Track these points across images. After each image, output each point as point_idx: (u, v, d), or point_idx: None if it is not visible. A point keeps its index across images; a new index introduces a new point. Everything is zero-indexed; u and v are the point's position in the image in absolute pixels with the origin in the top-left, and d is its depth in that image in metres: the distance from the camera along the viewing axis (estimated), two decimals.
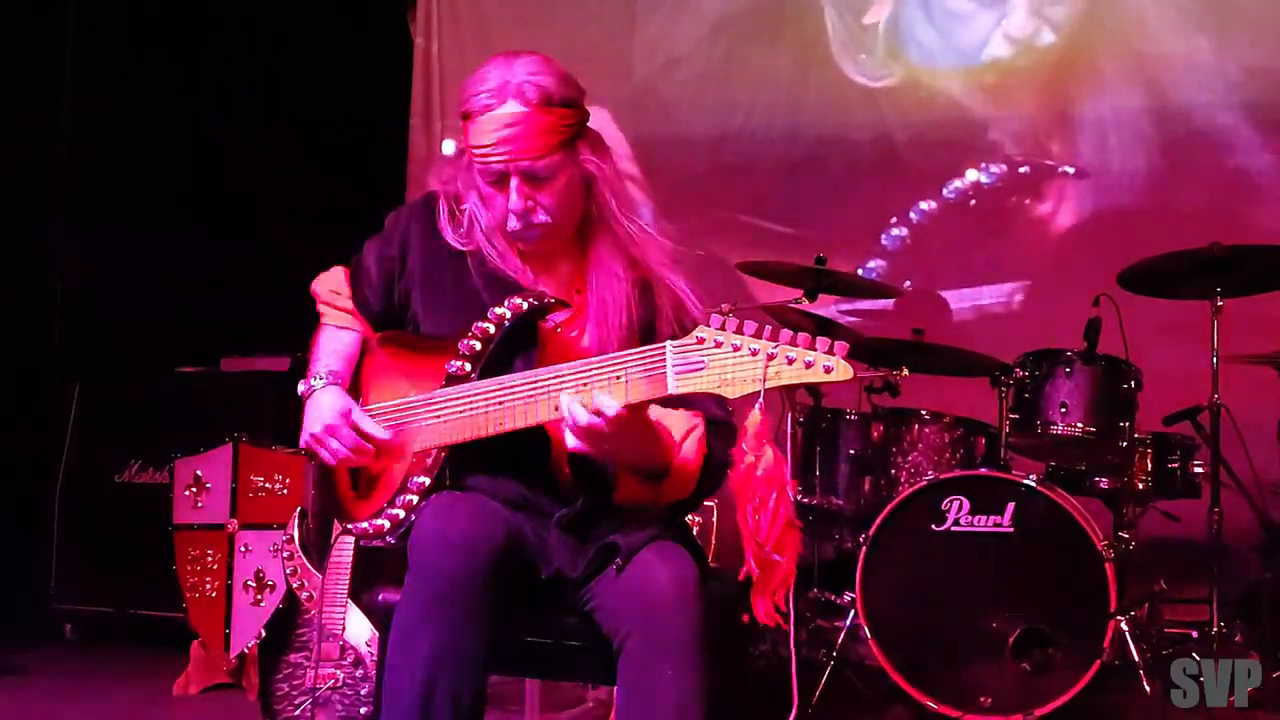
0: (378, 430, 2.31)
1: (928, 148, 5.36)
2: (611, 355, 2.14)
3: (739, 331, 2.00)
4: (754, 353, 1.98)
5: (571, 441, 2.13)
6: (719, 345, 2.00)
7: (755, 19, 5.68)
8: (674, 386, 2.04)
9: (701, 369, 2.02)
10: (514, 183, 2.24)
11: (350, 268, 2.51)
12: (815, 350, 1.96)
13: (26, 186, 5.24)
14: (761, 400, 1.99)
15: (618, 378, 2.09)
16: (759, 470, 2.01)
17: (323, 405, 2.34)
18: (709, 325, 2.02)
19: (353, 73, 5.84)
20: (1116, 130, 5.09)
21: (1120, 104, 5.08)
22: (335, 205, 5.40)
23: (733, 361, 2.00)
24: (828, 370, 1.95)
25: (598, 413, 2.08)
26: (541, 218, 2.27)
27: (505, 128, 2.20)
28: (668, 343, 2.06)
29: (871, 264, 5.40)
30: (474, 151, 2.25)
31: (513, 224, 2.28)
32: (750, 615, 2.09)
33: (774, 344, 1.97)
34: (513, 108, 2.20)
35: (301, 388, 2.39)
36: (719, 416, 2.30)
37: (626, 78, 5.85)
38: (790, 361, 1.96)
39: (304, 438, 2.34)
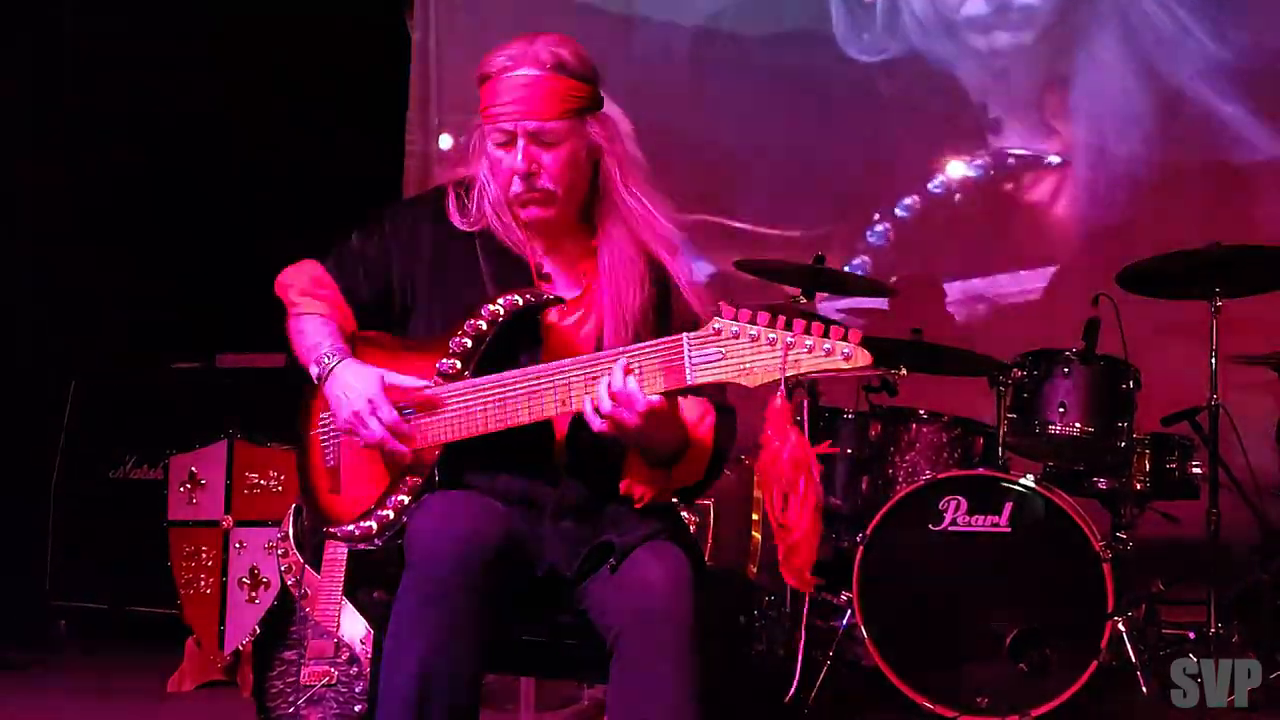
0: (415, 381, 2.21)
1: (923, 135, 5.35)
2: (623, 349, 2.12)
3: (753, 321, 2.00)
4: (772, 341, 1.98)
5: (597, 423, 2.10)
6: (737, 336, 2.01)
7: (756, 10, 5.67)
8: (693, 377, 2.04)
9: (720, 359, 2.02)
10: (521, 143, 2.26)
11: (333, 258, 2.43)
12: (831, 338, 1.96)
13: (24, 183, 5.23)
14: (783, 388, 1.99)
15: (631, 371, 2.08)
16: (785, 454, 2.00)
17: (350, 381, 2.24)
18: (722, 316, 2.01)
19: (349, 67, 5.83)
20: (1113, 115, 5.09)
21: (1115, 82, 5.08)
22: (331, 200, 5.38)
23: (751, 350, 2.00)
24: (846, 357, 1.96)
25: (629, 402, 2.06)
26: (544, 182, 2.28)
27: (519, 88, 2.25)
28: (684, 335, 2.06)
29: (856, 260, 5.39)
30: (486, 112, 2.28)
31: (515, 186, 2.28)
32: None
33: (790, 333, 1.98)
34: (528, 71, 2.26)
35: (315, 370, 2.31)
36: (722, 403, 2.30)
37: (625, 69, 5.83)
38: (809, 349, 1.97)
39: (343, 416, 2.22)
